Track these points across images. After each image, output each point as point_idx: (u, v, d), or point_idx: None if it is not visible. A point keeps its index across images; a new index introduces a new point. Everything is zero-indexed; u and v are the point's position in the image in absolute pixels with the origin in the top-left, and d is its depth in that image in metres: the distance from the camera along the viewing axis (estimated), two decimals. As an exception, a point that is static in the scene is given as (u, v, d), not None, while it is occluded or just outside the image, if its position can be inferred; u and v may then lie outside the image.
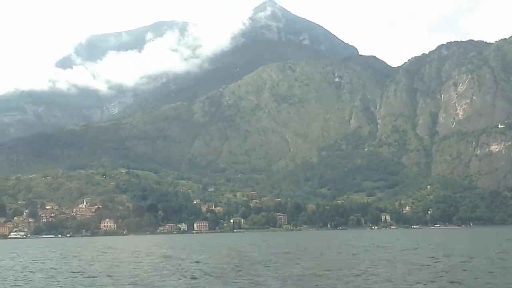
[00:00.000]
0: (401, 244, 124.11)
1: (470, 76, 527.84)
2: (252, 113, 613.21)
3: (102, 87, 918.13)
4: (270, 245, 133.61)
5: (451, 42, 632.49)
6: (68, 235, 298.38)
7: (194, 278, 57.57)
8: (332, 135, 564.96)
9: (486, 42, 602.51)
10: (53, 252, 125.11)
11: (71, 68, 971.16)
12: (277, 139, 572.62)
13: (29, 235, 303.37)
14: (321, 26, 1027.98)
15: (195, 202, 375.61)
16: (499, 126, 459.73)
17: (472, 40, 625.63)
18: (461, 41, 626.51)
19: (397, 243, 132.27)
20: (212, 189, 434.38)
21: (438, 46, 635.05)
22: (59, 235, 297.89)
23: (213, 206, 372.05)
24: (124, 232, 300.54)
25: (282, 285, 50.30)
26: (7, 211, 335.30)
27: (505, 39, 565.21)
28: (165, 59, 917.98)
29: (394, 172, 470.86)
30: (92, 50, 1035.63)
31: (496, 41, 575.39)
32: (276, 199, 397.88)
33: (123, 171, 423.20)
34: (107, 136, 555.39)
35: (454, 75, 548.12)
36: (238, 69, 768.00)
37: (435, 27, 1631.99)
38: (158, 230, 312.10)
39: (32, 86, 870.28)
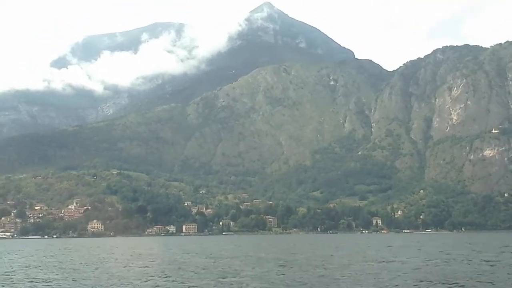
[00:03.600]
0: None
1: (464, 80, 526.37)
2: (246, 115, 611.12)
3: (97, 87, 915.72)
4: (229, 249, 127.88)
5: (446, 46, 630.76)
6: (54, 236, 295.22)
7: None
8: (326, 138, 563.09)
9: (481, 46, 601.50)
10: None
11: (67, 68, 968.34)
12: (271, 142, 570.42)
13: (15, 235, 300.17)
14: (318, 29, 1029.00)
15: (185, 204, 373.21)
16: (493, 131, 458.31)
17: (468, 45, 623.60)
18: (457, 46, 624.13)
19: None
20: (204, 191, 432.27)
21: (434, 50, 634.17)
22: (46, 236, 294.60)
23: (204, 208, 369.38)
24: (111, 234, 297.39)
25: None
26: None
27: (500, 44, 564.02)
28: (160, 60, 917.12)
29: (387, 176, 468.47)
30: (88, 50, 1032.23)
31: (491, 46, 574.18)
32: (268, 202, 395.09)
33: (114, 172, 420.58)
34: (100, 137, 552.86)
35: (449, 79, 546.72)
36: (233, 71, 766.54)
37: (435, 32, 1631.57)
38: (146, 232, 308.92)
39: (27, 86, 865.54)
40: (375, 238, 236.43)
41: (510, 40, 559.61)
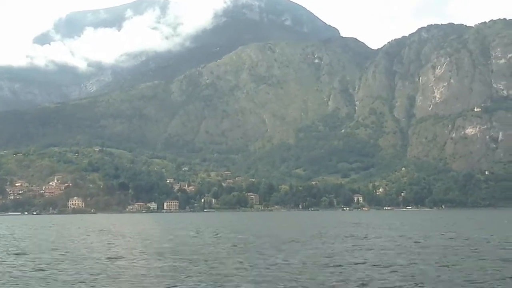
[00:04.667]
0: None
1: (448, 59, 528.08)
2: (230, 93, 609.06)
3: (80, 64, 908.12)
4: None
5: (431, 25, 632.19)
6: (34, 213, 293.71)
7: None
8: (310, 117, 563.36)
9: (466, 25, 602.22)
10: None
11: (49, 44, 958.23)
12: (255, 120, 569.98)
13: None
14: (304, 7, 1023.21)
15: (168, 181, 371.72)
16: (475, 110, 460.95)
17: (453, 24, 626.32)
18: (441, 24, 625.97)
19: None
20: (186, 169, 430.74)
21: (418, 29, 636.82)
22: (26, 213, 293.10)
23: (186, 186, 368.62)
24: (92, 211, 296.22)
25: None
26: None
27: (485, 22, 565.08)
28: (145, 37, 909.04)
29: (370, 154, 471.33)
30: (71, 26, 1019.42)
31: (475, 25, 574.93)
32: (250, 179, 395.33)
33: (96, 149, 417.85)
34: (82, 114, 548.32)
35: (433, 58, 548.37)
36: (218, 48, 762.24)
37: (421, 10, 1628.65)
38: (127, 209, 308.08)
39: (9, 62, 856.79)
40: (348, 215, 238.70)
41: (494, 18, 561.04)
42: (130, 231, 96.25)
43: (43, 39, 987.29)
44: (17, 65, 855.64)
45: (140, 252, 53.34)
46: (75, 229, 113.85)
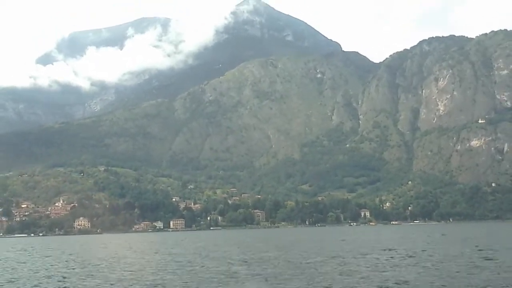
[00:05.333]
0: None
1: (451, 71, 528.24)
2: (234, 109, 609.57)
3: (84, 83, 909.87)
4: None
5: (432, 37, 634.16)
6: (41, 234, 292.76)
7: None
8: (314, 131, 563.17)
9: (467, 37, 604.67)
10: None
11: (52, 64, 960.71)
12: (259, 136, 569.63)
13: (1, 234, 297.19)
14: (305, 22, 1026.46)
15: (173, 199, 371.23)
16: (480, 121, 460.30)
17: (454, 35, 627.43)
18: (443, 36, 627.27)
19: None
20: (192, 187, 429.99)
21: (420, 41, 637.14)
22: (32, 234, 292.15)
23: (192, 204, 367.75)
24: (98, 231, 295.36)
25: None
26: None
27: (485, 34, 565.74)
28: (147, 56, 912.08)
29: (376, 168, 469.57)
30: (74, 46, 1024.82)
31: (477, 36, 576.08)
32: (256, 196, 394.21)
33: (101, 168, 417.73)
34: (86, 134, 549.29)
35: (435, 70, 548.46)
36: (220, 65, 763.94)
37: (422, 23, 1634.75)
38: (133, 229, 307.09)
39: (13, 83, 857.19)
40: (356, 230, 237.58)
41: (495, 30, 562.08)
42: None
43: (46, 60, 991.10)
44: (21, 86, 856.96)
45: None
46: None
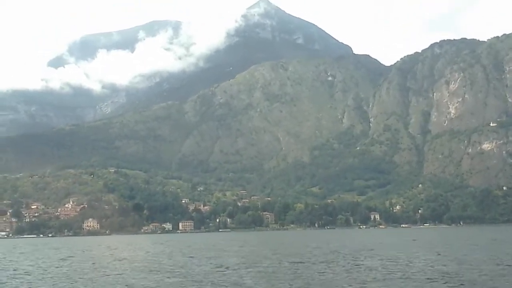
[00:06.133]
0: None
1: (462, 74, 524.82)
2: (244, 112, 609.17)
3: (95, 86, 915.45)
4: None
5: (444, 40, 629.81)
6: (50, 235, 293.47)
7: None
8: (324, 134, 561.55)
9: (478, 40, 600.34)
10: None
11: (64, 67, 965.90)
12: (269, 138, 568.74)
13: (10, 235, 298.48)
14: (315, 25, 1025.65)
15: (183, 201, 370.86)
16: (491, 125, 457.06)
17: (465, 39, 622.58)
18: (454, 39, 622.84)
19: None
20: (202, 189, 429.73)
21: (431, 44, 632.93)
22: (41, 235, 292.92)
23: (202, 206, 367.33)
24: (107, 232, 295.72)
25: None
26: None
27: (497, 37, 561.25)
28: (158, 58, 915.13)
29: (386, 171, 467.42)
30: (85, 49, 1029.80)
31: (488, 39, 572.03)
32: (266, 198, 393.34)
33: (111, 170, 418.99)
34: (97, 136, 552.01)
35: (447, 73, 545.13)
36: (231, 68, 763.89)
37: (433, 26, 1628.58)
38: (142, 230, 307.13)
39: (25, 86, 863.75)
40: (366, 233, 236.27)
41: (507, 33, 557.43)
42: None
43: (57, 62, 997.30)
44: (33, 89, 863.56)
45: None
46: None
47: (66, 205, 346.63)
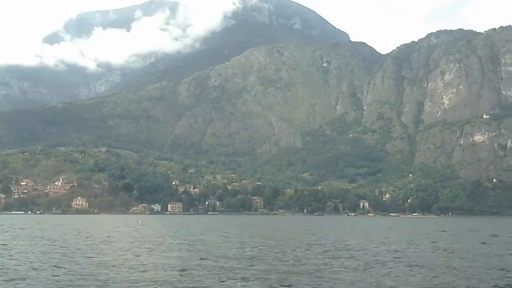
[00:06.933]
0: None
1: (457, 65, 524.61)
2: (238, 95, 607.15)
3: (90, 64, 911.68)
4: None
5: (440, 30, 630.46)
6: (38, 212, 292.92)
7: None
8: (317, 120, 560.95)
9: (475, 31, 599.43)
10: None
11: (59, 44, 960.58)
12: (262, 123, 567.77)
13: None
14: (313, 11, 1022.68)
15: (173, 183, 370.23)
16: (484, 117, 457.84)
17: (462, 29, 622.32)
18: (451, 30, 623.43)
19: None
20: (192, 171, 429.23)
21: (428, 34, 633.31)
22: (29, 212, 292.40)
23: (192, 188, 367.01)
24: (95, 211, 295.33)
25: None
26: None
27: (494, 29, 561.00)
28: (154, 39, 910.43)
29: (377, 159, 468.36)
30: (81, 27, 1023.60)
31: (485, 31, 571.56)
32: (256, 183, 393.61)
33: (103, 149, 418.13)
34: (90, 114, 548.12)
35: (442, 63, 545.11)
36: (227, 50, 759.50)
37: (433, 16, 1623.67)
38: (131, 210, 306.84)
39: (19, 61, 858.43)
40: (354, 220, 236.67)
41: (504, 25, 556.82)
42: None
43: (52, 39, 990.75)
44: (27, 65, 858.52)
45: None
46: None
47: (56, 183, 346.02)
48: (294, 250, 64.13)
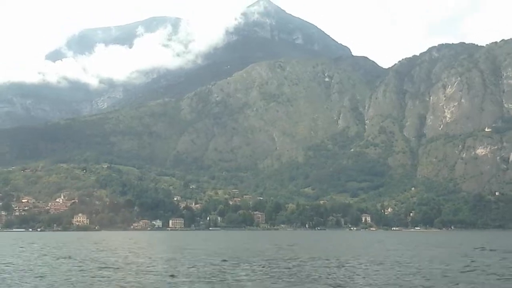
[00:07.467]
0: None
1: (459, 78, 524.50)
2: (240, 111, 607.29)
3: (92, 81, 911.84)
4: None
5: (442, 44, 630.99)
6: (39, 230, 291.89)
7: None
8: (319, 135, 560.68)
9: (477, 45, 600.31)
10: None
11: (61, 60, 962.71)
12: (264, 138, 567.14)
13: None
14: (315, 26, 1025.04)
15: (175, 199, 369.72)
16: (486, 130, 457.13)
17: (464, 43, 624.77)
18: (452, 44, 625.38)
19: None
20: (194, 186, 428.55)
21: (429, 48, 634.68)
22: (30, 229, 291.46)
23: (193, 203, 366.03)
24: (96, 228, 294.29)
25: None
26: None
27: (496, 42, 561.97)
28: (156, 55, 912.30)
29: (380, 173, 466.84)
30: (83, 43, 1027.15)
31: (487, 45, 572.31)
32: (257, 198, 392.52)
33: (104, 166, 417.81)
34: (92, 131, 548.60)
35: (444, 77, 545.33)
36: (229, 66, 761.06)
37: (434, 30, 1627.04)
38: (132, 227, 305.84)
39: (22, 78, 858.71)
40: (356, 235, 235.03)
41: (505, 38, 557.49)
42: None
43: (55, 56, 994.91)
44: (29, 82, 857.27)
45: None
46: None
47: (57, 200, 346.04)
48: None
